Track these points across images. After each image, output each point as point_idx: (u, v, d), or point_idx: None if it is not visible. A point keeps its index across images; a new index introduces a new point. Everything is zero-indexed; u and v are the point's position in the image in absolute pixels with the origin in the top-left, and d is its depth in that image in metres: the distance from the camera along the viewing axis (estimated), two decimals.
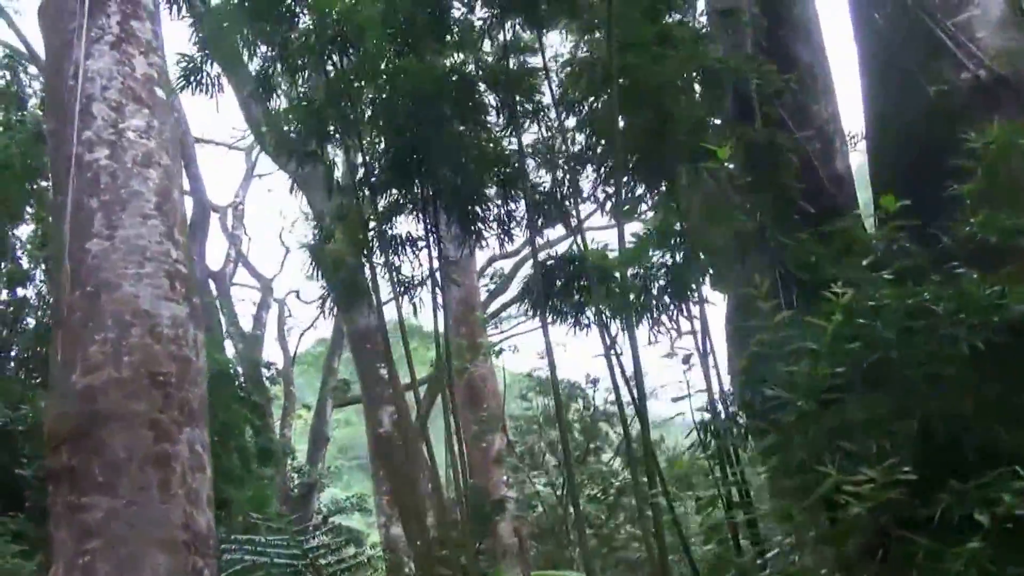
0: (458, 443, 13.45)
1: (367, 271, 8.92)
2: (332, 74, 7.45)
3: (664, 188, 6.80)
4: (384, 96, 7.12)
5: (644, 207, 8.27)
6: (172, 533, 7.07)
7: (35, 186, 16.51)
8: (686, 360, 6.42)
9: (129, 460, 7.09)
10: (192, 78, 8.66)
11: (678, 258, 7.08)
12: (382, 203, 7.85)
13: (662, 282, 7.17)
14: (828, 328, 3.91)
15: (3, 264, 15.96)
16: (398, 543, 15.20)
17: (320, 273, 9.60)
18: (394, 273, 7.99)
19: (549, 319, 7.24)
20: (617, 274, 6.72)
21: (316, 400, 26.67)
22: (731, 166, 7.54)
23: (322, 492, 25.78)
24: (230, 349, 22.31)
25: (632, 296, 6.63)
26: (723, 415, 6.25)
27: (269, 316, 27.68)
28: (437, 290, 8.77)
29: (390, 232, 7.80)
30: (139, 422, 7.23)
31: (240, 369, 19.34)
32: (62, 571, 6.81)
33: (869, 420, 3.93)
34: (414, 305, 8.22)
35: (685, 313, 7.29)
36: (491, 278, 21.39)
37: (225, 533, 9.13)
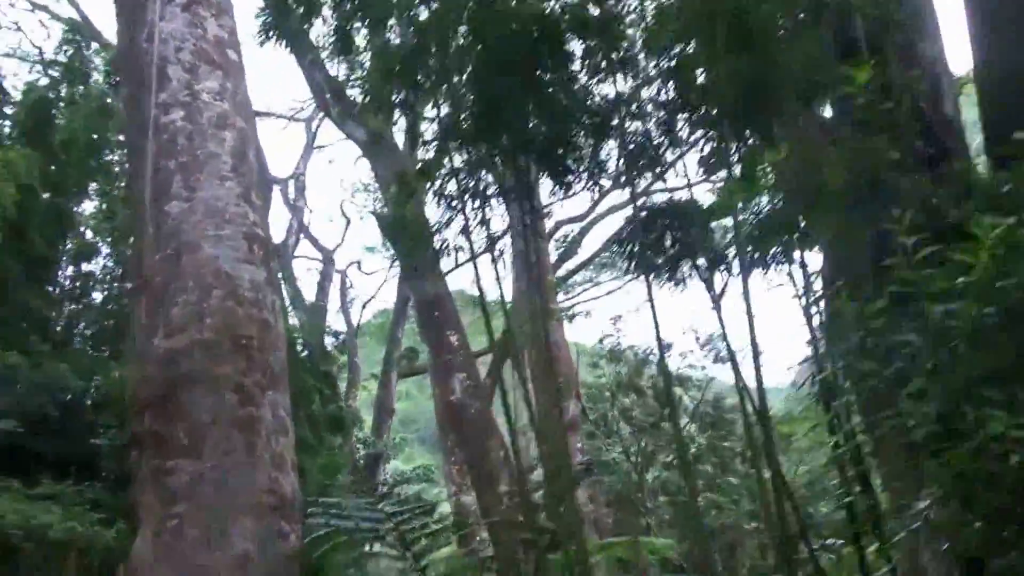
0: (531, 410, 13.30)
1: (441, 233, 8.73)
2: (418, 22, 7.23)
3: (765, 134, 6.47)
4: (471, 42, 6.87)
5: (738, 157, 7.93)
6: (258, 497, 7.03)
7: (99, 161, 16.69)
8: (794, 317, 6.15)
9: (213, 424, 7.07)
10: (272, 32, 8.52)
11: (780, 206, 6.78)
12: (466, 156, 7.62)
13: (766, 232, 6.84)
14: (978, 264, 3.61)
15: (69, 239, 16.17)
16: (469, 512, 15.17)
17: (388, 239, 9.46)
18: (474, 231, 7.78)
19: (642, 274, 6.96)
20: (723, 220, 6.45)
21: (379, 371, 26.81)
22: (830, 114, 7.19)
23: (387, 464, 25.97)
24: (293, 321, 22.46)
25: (742, 242, 6.33)
26: (831, 371, 5.97)
27: (331, 288, 27.90)
28: (517, 247, 8.55)
29: (474, 186, 7.57)
30: (223, 385, 7.20)
31: (305, 340, 19.44)
32: (150, 535, 6.82)
33: (1019, 363, 3.63)
34: (495, 266, 7.97)
35: (789, 265, 6.97)
36: (560, 243, 21.14)
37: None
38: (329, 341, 22.14)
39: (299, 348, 17.33)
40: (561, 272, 21.98)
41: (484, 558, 10.71)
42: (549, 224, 20.43)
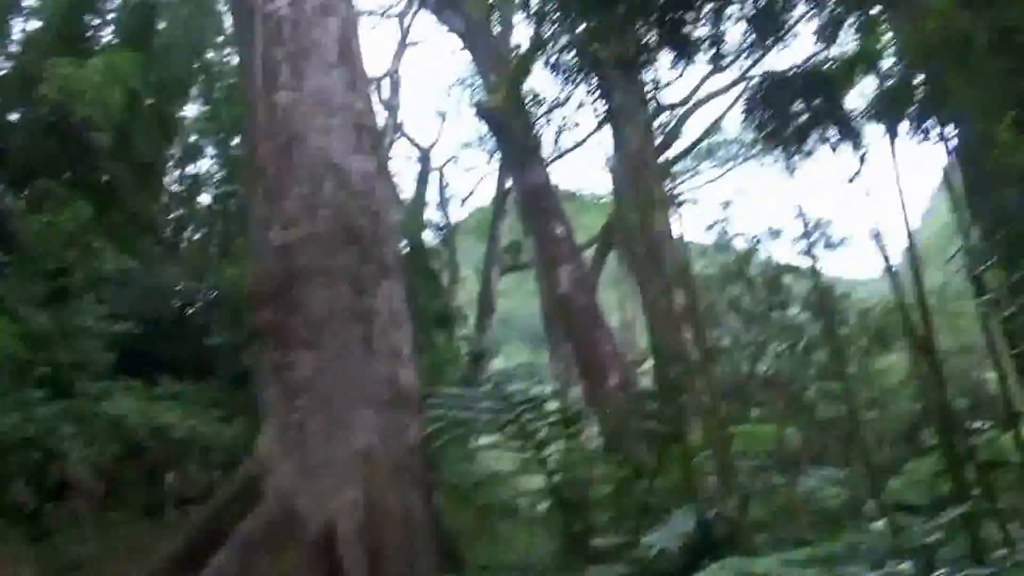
0: (638, 301, 12.92)
1: (548, 115, 8.29)
2: None
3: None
4: None
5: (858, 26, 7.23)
6: (378, 390, 6.95)
7: (201, 63, 16.63)
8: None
9: (330, 316, 6.97)
10: None
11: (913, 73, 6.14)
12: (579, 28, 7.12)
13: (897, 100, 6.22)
14: None
15: (175, 144, 16.29)
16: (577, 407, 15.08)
17: (489, 128, 9.08)
18: (582, 111, 7.32)
19: (771, 145, 6.45)
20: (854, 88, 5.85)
21: (479, 268, 26.79)
22: None
23: (489, 362, 26.14)
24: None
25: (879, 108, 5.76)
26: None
27: (428, 186, 27.74)
28: (622, 131, 8.07)
29: (584, 62, 7.10)
30: (338, 277, 7.07)
31: (407, 236, 19.41)
32: (274, 428, 6.83)
33: None
34: (599, 151, 7.52)
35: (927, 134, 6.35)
36: (661, 129, 20.33)
37: None
38: (430, 238, 22.13)
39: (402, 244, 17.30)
40: (661, 160, 21.21)
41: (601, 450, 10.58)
42: (650, 109, 19.61)
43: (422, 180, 27.19)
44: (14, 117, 14.16)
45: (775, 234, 15.35)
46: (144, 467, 10.03)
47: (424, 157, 27.83)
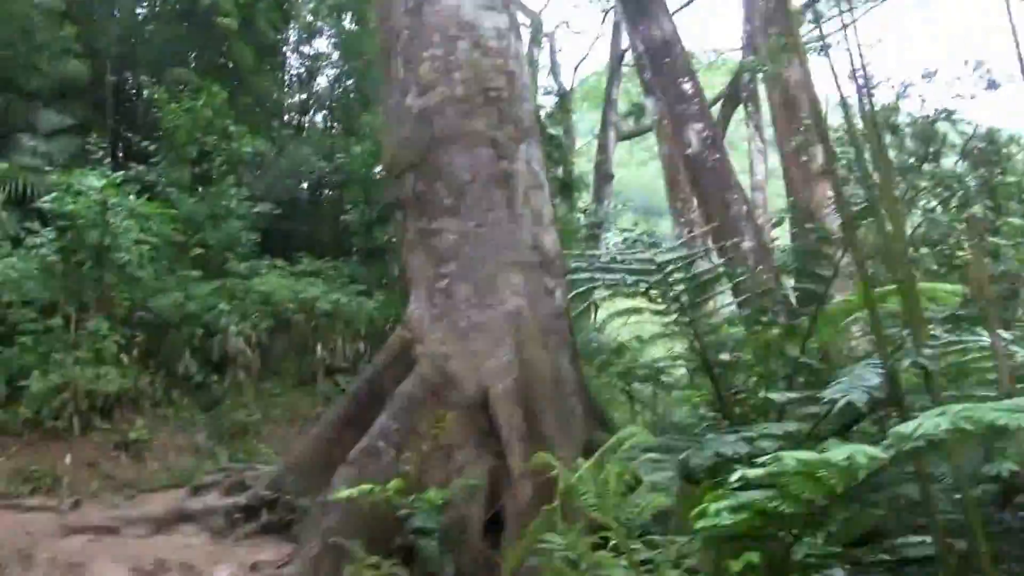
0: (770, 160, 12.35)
1: None
2: None
3: None
4: None
5: None
6: (523, 254, 6.92)
7: None
8: None
9: (473, 181, 6.91)
10: None
11: None
12: None
13: None
14: None
15: (293, 24, 16.24)
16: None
17: None
18: None
19: None
20: None
21: (592, 136, 26.16)
22: None
23: (607, 231, 25.81)
24: None
25: None
26: None
27: (540, 52, 27.03)
28: None
29: None
30: (478, 141, 6.97)
31: None
32: (423, 296, 6.92)
33: None
34: None
35: None
36: None
37: None
38: (547, 103, 21.69)
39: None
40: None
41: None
42: None
43: (532, 45, 26.47)
44: (143, 8, 14.39)
45: (928, 76, 14.24)
46: (294, 340, 10.45)
47: (536, 24, 27.04)
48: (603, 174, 25.44)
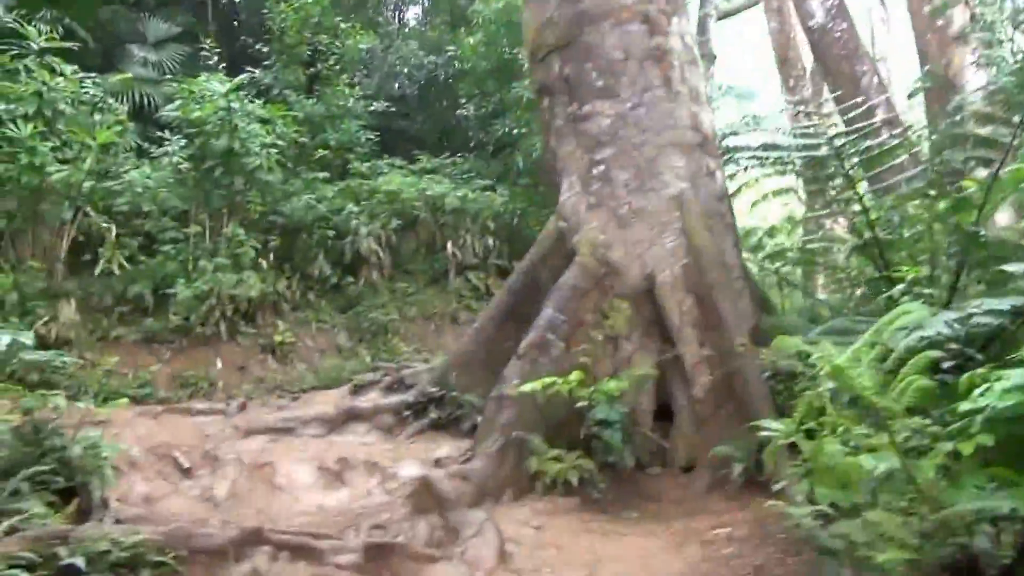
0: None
1: None
2: None
3: None
4: None
5: None
6: (683, 134, 6.54)
7: None
8: None
9: (626, 60, 6.51)
10: None
11: None
12: None
13: None
14: None
15: None
16: None
17: None
18: None
19: None
20: None
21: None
22: None
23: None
24: None
25: None
26: None
27: None
28: None
29: None
30: (628, 16, 6.54)
31: None
32: (577, 184, 6.64)
33: None
34: None
35: None
36: None
37: None
38: None
39: None
40: None
41: None
42: None
43: None
44: None
45: None
46: (422, 239, 10.36)
47: None
48: (706, 55, 24.37)
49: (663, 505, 5.43)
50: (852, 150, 6.42)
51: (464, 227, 10.22)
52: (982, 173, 6.53)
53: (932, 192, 6.73)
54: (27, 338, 4.18)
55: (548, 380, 5.32)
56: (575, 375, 5.40)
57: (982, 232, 6.63)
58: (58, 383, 6.53)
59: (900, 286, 5.69)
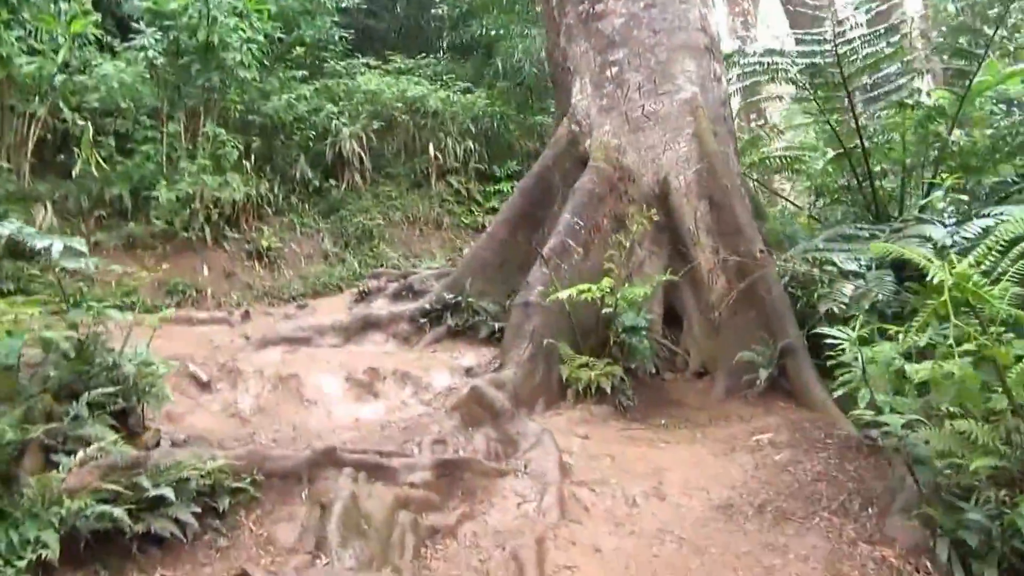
0: None
1: None
2: None
3: None
4: None
5: None
6: (694, 37, 6.26)
7: None
8: None
9: None
10: None
11: None
12: None
13: None
14: None
15: None
16: None
17: None
18: None
19: None
20: None
21: None
22: None
23: None
24: None
25: None
26: None
27: None
28: None
29: None
30: None
31: None
32: (590, 87, 6.32)
33: None
34: None
35: None
36: None
37: None
38: None
39: None
40: None
41: None
42: None
43: None
44: None
45: None
46: (403, 142, 9.89)
47: None
48: None
49: (687, 411, 5.34)
50: (853, 57, 6.22)
51: (444, 130, 9.76)
52: None
53: (908, 101, 6.63)
54: (79, 244, 3.77)
55: (582, 287, 5.13)
56: (606, 282, 5.20)
57: (953, 140, 6.59)
58: (35, 292, 6.05)
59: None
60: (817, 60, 6.26)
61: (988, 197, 6.58)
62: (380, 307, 6.52)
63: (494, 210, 9.75)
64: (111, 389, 3.40)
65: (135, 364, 3.65)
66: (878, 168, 6.95)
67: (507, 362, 5.21)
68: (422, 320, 6.10)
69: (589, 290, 5.13)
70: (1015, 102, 7.19)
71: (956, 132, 6.73)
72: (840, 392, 3.92)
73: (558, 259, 5.64)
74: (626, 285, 5.54)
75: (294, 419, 4.81)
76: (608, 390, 5.13)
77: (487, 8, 10.39)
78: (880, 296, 5.11)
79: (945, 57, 7.28)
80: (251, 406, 4.96)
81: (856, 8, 6.27)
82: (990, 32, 6.24)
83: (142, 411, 3.72)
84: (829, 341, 3.83)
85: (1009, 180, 6.53)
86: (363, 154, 9.34)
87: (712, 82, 6.33)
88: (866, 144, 6.47)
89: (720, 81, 6.46)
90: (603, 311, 5.39)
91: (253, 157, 8.68)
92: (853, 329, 3.73)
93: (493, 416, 4.40)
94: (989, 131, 6.93)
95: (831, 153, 7.75)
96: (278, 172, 9.02)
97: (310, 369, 5.32)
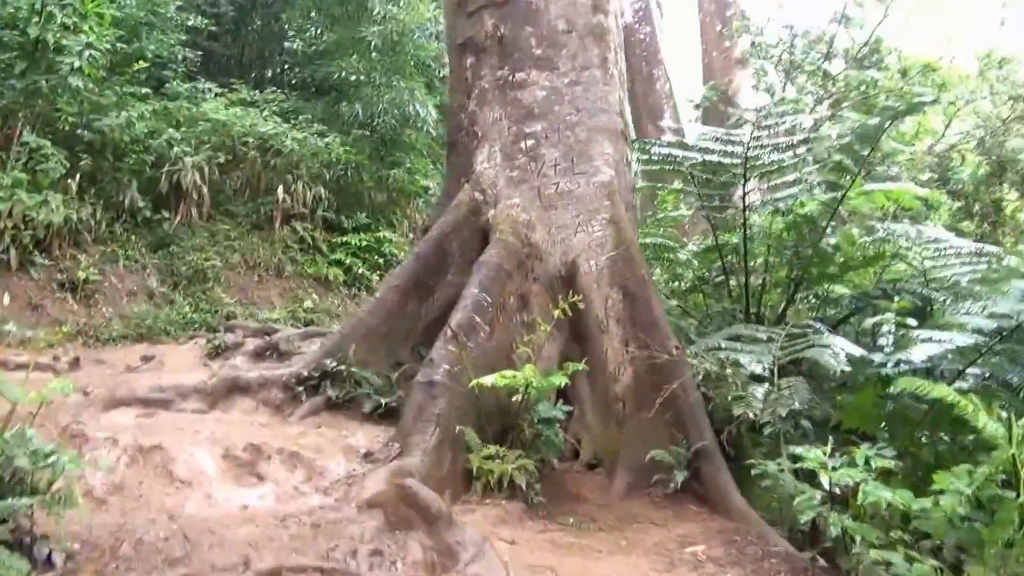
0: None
1: None
2: None
3: None
4: None
5: None
6: (613, 120, 5.99)
7: None
8: None
9: (569, 32, 5.82)
10: None
11: None
12: None
13: None
14: None
15: None
16: None
17: None
18: None
19: None
20: None
21: None
22: None
23: None
24: None
25: None
26: None
27: None
28: None
29: None
30: None
31: None
32: (499, 156, 5.86)
33: None
34: None
35: None
36: None
37: None
38: None
39: None
40: None
41: None
42: None
43: None
44: None
45: None
46: (249, 179, 8.84)
47: None
48: None
49: (591, 508, 4.88)
50: (759, 162, 6.26)
51: (296, 173, 8.84)
52: None
53: (780, 208, 6.81)
54: None
55: (506, 374, 4.58)
56: (528, 369, 4.69)
57: (818, 250, 6.83)
58: None
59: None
60: (724, 159, 6.24)
61: (848, 305, 6.87)
62: (244, 367, 5.56)
63: (339, 262, 8.98)
64: None
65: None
66: (752, 265, 7.02)
67: (409, 448, 4.51)
68: (298, 388, 5.23)
69: (513, 378, 4.58)
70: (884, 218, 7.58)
71: (825, 241, 6.95)
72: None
73: (465, 336, 5.03)
74: (539, 374, 5.04)
75: (166, 504, 3.82)
76: (522, 485, 4.58)
77: (345, 50, 9.65)
78: (796, 404, 4.97)
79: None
80: (106, 484, 3.90)
81: (766, 117, 6.31)
82: (864, 153, 6.49)
83: None
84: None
85: (872, 291, 6.81)
86: (203, 187, 8.22)
87: (624, 167, 6.10)
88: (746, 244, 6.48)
89: (630, 167, 6.26)
90: (514, 398, 4.84)
91: (79, 176, 7.34)
92: (777, 437, 3.51)
93: (427, 520, 3.69)
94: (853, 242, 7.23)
95: (696, 246, 7.80)
96: (103, 196, 7.73)
97: (177, 440, 4.33)
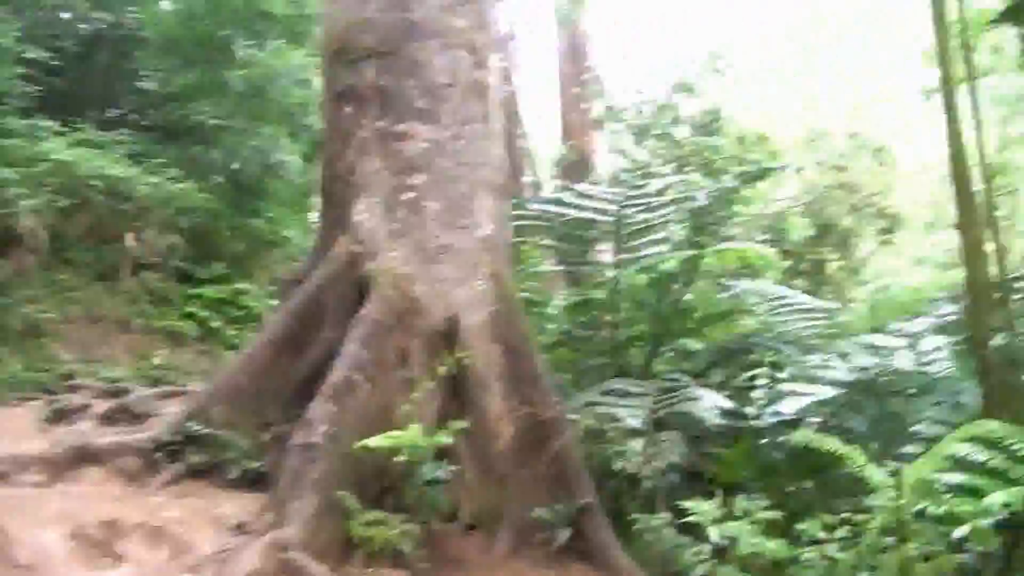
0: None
1: None
2: None
3: None
4: None
5: None
6: (495, 174, 5.92)
7: None
8: None
9: (452, 86, 5.72)
10: None
11: None
12: None
13: None
14: None
15: None
16: None
17: None
18: None
19: None
20: None
21: None
22: None
23: None
24: None
25: None
26: None
27: None
28: None
29: None
30: (458, 41, 5.78)
31: None
32: (379, 208, 5.63)
33: None
34: None
35: None
36: None
37: None
38: None
39: None
40: None
41: None
42: None
43: None
44: None
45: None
46: (93, 225, 8.13)
47: None
48: None
49: (478, 572, 4.69)
50: (630, 220, 6.40)
51: (147, 220, 8.22)
52: None
53: (644, 264, 7.00)
54: None
55: (394, 435, 4.34)
56: (413, 430, 4.46)
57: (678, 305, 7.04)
58: None
59: None
60: (597, 216, 6.33)
61: (706, 359, 7.11)
62: (93, 433, 4.99)
63: (191, 315, 8.41)
64: None
65: None
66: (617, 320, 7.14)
67: (286, 516, 4.17)
68: (156, 454, 4.74)
69: (399, 438, 4.34)
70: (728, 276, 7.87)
71: (687, 296, 7.16)
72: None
73: (345, 395, 4.75)
74: (439, 432, 4.83)
75: None
76: (406, 551, 4.31)
77: (205, 93, 9.16)
78: (674, 457, 5.02)
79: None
80: None
81: (637, 177, 6.48)
82: (722, 213, 6.78)
83: None
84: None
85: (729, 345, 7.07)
86: (41, 232, 7.48)
87: (504, 221, 6.03)
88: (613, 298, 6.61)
89: (509, 221, 6.20)
90: (395, 459, 4.58)
91: None
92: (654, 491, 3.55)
93: None
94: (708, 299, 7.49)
95: (563, 301, 7.85)
96: None
97: (19, 519, 3.77)
